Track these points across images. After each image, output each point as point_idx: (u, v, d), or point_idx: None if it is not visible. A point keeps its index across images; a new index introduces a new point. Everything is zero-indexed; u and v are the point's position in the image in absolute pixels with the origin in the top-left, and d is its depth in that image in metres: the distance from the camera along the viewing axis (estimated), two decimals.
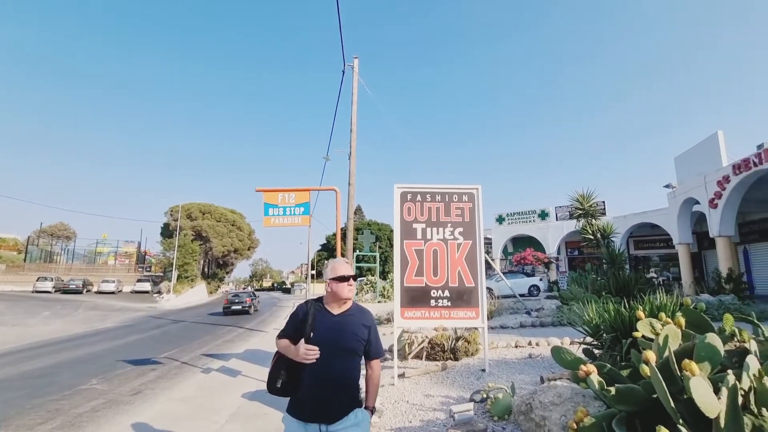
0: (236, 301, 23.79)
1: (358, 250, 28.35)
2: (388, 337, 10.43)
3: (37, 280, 36.02)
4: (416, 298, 5.72)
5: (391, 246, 64.14)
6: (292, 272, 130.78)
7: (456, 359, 6.72)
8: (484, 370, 5.80)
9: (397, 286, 5.74)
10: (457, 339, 6.99)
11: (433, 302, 5.70)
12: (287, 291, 74.28)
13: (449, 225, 5.97)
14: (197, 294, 43.15)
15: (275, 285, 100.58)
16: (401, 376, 5.70)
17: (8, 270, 42.55)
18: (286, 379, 2.09)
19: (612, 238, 11.92)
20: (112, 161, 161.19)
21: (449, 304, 5.72)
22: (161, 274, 45.01)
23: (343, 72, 12.76)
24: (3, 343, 13.00)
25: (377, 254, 29.89)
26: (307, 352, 1.97)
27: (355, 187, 13.04)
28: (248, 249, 60.80)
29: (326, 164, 22.34)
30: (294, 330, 2.16)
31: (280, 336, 2.20)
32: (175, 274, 39.02)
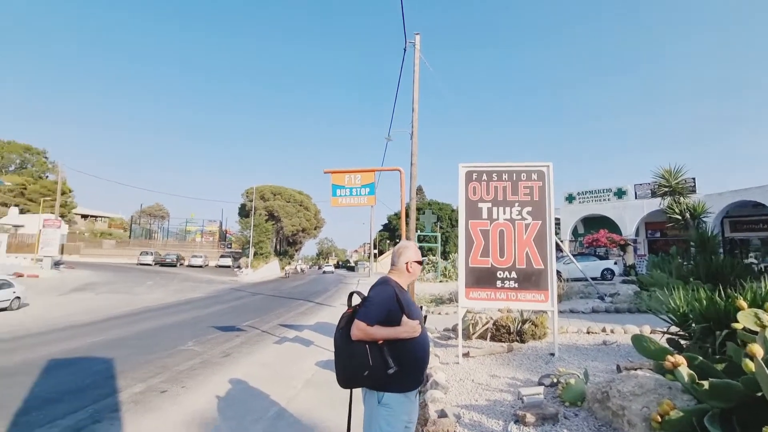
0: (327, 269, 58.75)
1: (419, 230, 28.44)
2: (451, 316, 10.49)
3: (140, 254, 41.51)
4: (482, 278, 5.66)
5: (452, 226, 63.46)
6: (355, 251, 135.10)
7: (522, 342, 6.58)
8: (553, 355, 5.62)
9: (461, 267, 5.72)
10: (524, 321, 6.82)
11: (499, 283, 5.60)
12: (351, 269, 77.23)
13: (517, 204, 5.75)
14: (271, 270, 46.68)
15: (340, 263, 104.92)
16: (466, 355, 5.74)
17: (118, 245, 49.61)
18: (394, 361, 2.04)
19: (703, 219, 10.58)
20: (196, 144, 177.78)
21: (516, 285, 5.58)
22: (240, 250, 49.28)
23: (405, 50, 12.57)
24: (118, 308, 15.35)
25: (438, 235, 29.75)
26: (419, 327, 2.14)
27: (417, 167, 13.03)
28: (315, 228, 63.94)
29: (387, 144, 22.43)
30: (387, 313, 2.11)
31: (371, 323, 2.05)
32: (252, 250, 42.50)
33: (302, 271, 56.10)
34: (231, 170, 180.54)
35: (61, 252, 33.42)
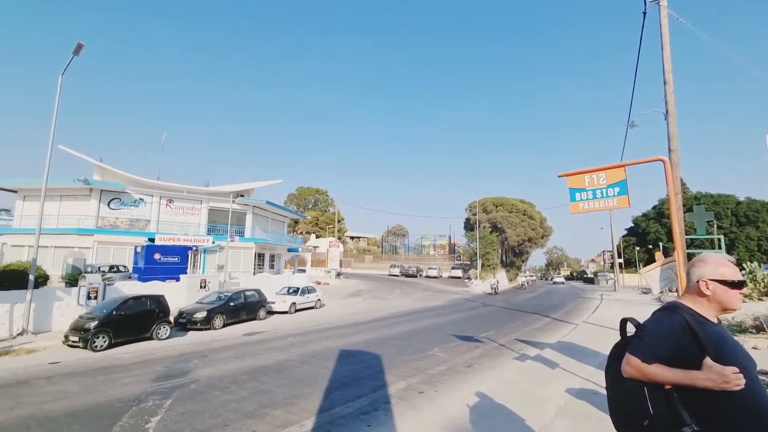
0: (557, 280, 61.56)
1: (687, 233, 21.74)
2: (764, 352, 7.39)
3: (390, 267, 49.66)
4: None
5: (740, 224, 45.60)
6: (592, 260, 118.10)
7: None
8: None
9: None
10: None
11: None
12: (589, 281, 67.20)
13: None
14: (499, 281, 46.37)
15: (574, 274, 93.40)
16: None
17: (374, 259, 61.19)
18: (696, 419, 1.55)
19: None
20: (423, 162, 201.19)
21: None
22: (468, 262, 51.46)
23: (644, 13, 10.23)
24: (379, 311, 18.71)
25: (719, 237, 21.84)
26: (738, 376, 1.50)
27: (678, 153, 10.20)
28: (541, 237, 59.65)
29: (628, 132, 18.60)
30: (673, 350, 1.63)
31: (647, 359, 1.64)
32: (479, 262, 43.60)
33: (524, 285, 43.80)
34: (455, 186, 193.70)
35: (340, 265, 43.91)
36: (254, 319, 15.38)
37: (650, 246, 51.29)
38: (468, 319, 16.42)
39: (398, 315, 17.61)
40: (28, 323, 11.40)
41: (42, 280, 13.38)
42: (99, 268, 19.50)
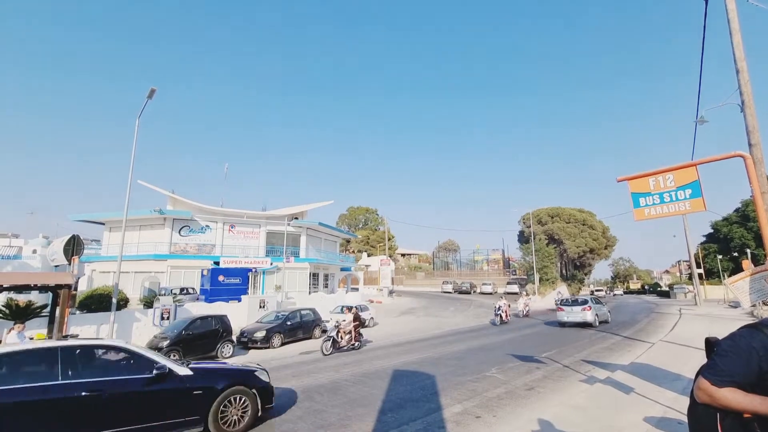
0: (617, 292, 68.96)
1: None
2: None
3: (442, 283, 48.70)
4: None
5: None
6: (666, 271, 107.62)
7: None
8: None
9: None
10: None
11: None
12: (664, 294, 60.59)
13: None
14: (561, 296, 43.46)
15: (646, 287, 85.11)
16: None
17: (426, 276, 60.43)
18: None
19: None
20: (474, 175, 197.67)
21: None
22: (525, 276, 49.03)
23: (706, 0, 9.38)
24: (432, 329, 18.32)
25: None
26: None
27: (761, 148, 9.06)
28: (605, 248, 55.36)
29: (696, 128, 16.93)
30: (754, 373, 1.44)
31: (719, 383, 1.47)
32: (536, 276, 41.36)
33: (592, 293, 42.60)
34: (506, 198, 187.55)
35: (392, 283, 43.90)
36: (310, 338, 15.75)
37: (735, 254, 45.49)
38: (527, 337, 15.51)
39: (452, 333, 17.11)
40: None
41: (123, 303, 14.80)
42: (171, 290, 21.22)
